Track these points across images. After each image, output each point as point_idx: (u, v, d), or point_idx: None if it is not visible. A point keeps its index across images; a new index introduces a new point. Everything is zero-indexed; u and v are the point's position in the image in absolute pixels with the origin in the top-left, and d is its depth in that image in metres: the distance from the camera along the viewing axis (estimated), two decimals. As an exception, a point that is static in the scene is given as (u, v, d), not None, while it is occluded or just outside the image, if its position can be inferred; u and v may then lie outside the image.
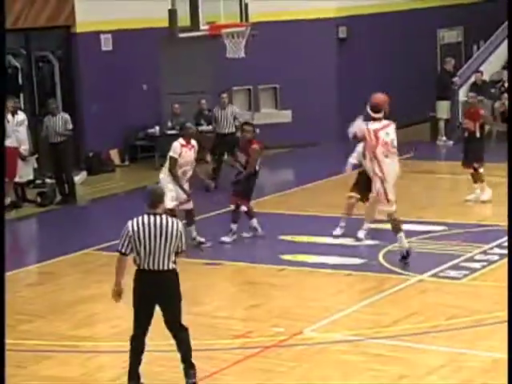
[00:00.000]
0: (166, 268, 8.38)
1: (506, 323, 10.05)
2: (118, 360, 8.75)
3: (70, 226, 15.88)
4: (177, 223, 8.45)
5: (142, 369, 8.54)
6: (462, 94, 22.18)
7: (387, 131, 12.39)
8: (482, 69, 22.44)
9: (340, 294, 11.43)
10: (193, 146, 13.46)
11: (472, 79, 22.24)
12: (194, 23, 15.66)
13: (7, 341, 10.12)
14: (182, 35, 15.59)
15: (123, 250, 8.43)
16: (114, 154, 20.40)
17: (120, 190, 18.48)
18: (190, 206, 13.52)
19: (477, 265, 12.25)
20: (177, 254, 8.47)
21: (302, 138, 16.23)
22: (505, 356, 9.16)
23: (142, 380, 8.57)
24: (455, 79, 22.10)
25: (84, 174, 19.23)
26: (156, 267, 8.36)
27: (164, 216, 8.42)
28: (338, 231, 13.73)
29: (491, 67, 22.77)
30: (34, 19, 18.93)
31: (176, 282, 8.50)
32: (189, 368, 8.59)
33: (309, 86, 20.96)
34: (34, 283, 12.81)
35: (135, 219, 8.41)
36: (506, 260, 12.35)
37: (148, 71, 20.17)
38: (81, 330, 10.52)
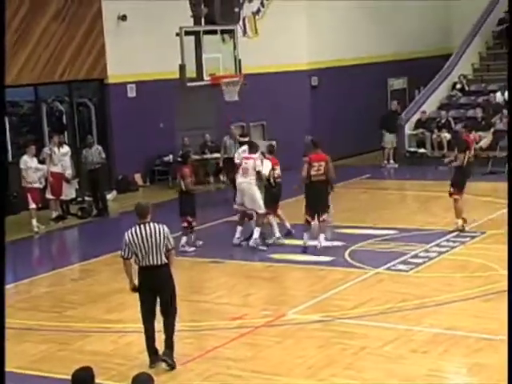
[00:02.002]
0: (159, 263, 8.37)
1: (445, 305, 10.08)
2: (142, 338, 8.67)
3: (104, 233, 15.79)
4: (162, 227, 8.44)
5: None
6: (408, 128, 22.23)
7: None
8: (423, 108, 22.49)
9: (315, 285, 11.34)
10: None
11: (417, 116, 22.27)
12: (199, 75, 15.67)
13: (56, 323, 10.17)
14: (189, 84, 15.60)
15: (124, 255, 8.46)
16: (138, 177, 20.31)
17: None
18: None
19: (420, 260, 12.18)
20: (168, 251, 8.42)
21: (284, 162, 16.25)
22: (443, 331, 9.19)
23: (159, 353, 8.52)
24: (401, 116, 22.12)
25: (114, 192, 19.14)
26: (151, 263, 8.35)
27: (151, 223, 8.42)
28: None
29: (429, 107, 22.78)
30: (76, 73, 18.91)
31: (168, 274, 8.47)
32: (168, 348, 8.46)
33: (289, 122, 20.96)
34: (76, 278, 12.72)
35: (130, 230, 8.43)
36: (442, 256, 12.37)
37: (164, 112, 20.12)
38: (113, 315, 10.47)
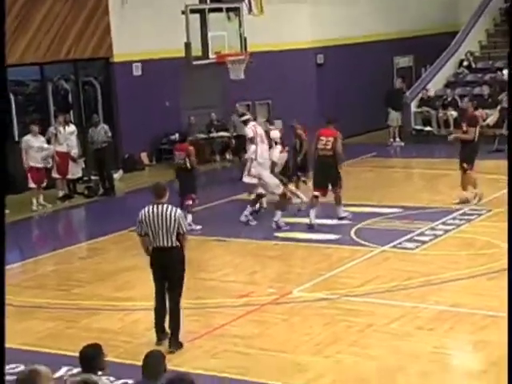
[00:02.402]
0: (169, 245, 8.35)
1: (451, 282, 10.12)
2: (149, 316, 8.75)
3: (111, 212, 15.87)
4: (175, 210, 8.41)
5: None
6: (413, 107, 22.16)
7: None
8: (428, 87, 22.40)
9: (321, 263, 11.35)
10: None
11: (420, 95, 22.21)
12: (205, 53, 15.63)
13: (63, 301, 10.24)
14: (195, 63, 15.56)
15: (138, 232, 8.56)
16: (144, 156, 20.31)
17: (148, 184, 18.36)
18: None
19: (426, 238, 12.19)
20: (179, 235, 8.37)
21: (290, 140, 16.32)
22: (448, 308, 9.24)
23: (166, 331, 8.59)
24: (406, 95, 22.05)
25: (121, 172, 19.16)
26: (161, 244, 8.36)
27: (165, 205, 8.40)
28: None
29: (435, 85, 22.70)
30: (82, 52, 18.89)
31: (178, 257, 8.45)
32: (173, 340, 8.44)
33: (294, 100, 20.92)
34: (84, 256, 12.78)
35: (145, 208, 8.45)
36: (448, 234, 12.39)
37: (170, 91, 20.09)
38: (120, 293, 10.53)
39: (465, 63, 23.08)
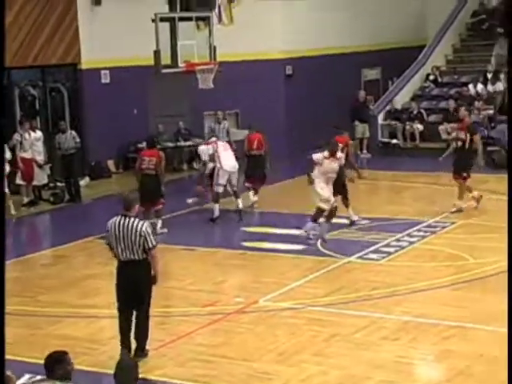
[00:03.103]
0: (134, 258, 8.12)
1: (416, 293, 10.20)
2: (114, 324, 8.68)
3: (76, 219, 15.76)
4: (142, 224, 8.12)
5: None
6: (380, 119, 22.37)
7: None
8: (395, 99, 22.63)
9: (287, 273, 11.38)
10: None
11: (387, 108, 22.44)
12: (174, 61, 15.62)
13: (28, 308, 10.13)
14: (164, 71, 15.55)
15: (106, 243, 8.40)
16: (111, 164, 20.24)
17: (115, 192, 18.32)
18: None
19: (391, 249, 12.28)
20: (149, 249, 8.12)
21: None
22: (413, 318, 9.31)
23: (132, 346, 8.37)
24: (372, 107, 22.24)
25: (87, 179, 19.07)
26: (126, 257, 8.14)
27: (132, 218, 8.17)
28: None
29: (402, 98, 22.94)
30: (49, 58, 18.78)
31: (144, 272, 8.17)
32: (139, 350, 8.30)
33: (263, 110, 20.98)
34: (49, 264, 12.68)
35: (112, 219, 8.25)
36: (413, 245, 12.50)
37: (138, 99, 20.04)
38: (86, 300, 10.46)
39: (431, 77, 23.36)
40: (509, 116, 18.11)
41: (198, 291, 10.71)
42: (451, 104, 21.20)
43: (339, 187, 13.23)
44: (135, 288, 8.22)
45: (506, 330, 8.47)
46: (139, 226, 8.12)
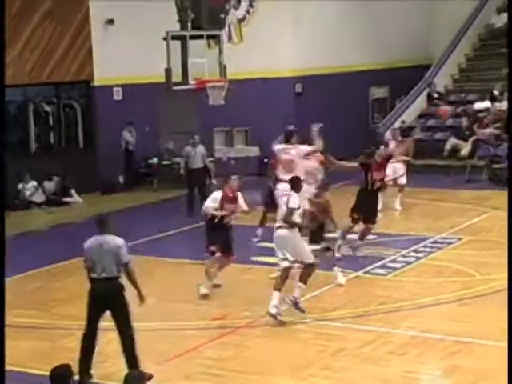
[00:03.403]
0: (109, 276, 7.98)
1: (422, 308, 10.14)
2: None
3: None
4: (114, 241, 8.03)
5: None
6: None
7: None
8: (403, 117, 22.66)
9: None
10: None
11: (397, 125, 22.42)
12: (184, 79, 15.68)
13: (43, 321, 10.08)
14: (175, 88, 15.60)
15: (85, 266, 8.22)
16: (122, 179, 20.28)
17: (125, 207, 18.26)
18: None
19: (398, 265, 12.24)
20: (125, 265, 8.02)
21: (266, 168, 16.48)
22: (419, 333, 9.25)
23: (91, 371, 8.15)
24: (381, 124, 22.27)
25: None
26: (102, 275, 8.00)
27: (107, 235, 8.07)
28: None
29: (409, 116, 22.93)
30: (63, 75, 18.91)
31: (120, 288, 8.00)
32: (133, 368, 7.85)
33: (272, 128, 20.95)
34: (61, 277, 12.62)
35: (89, 239, 8.17)
36: (420, 261, 12.43)
37: (149, 116, 20.12)
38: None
39: (435, 95, 23.31)
40: (509, 116, 17.97)
41: (207, 305, 10.66)
42: (464, 121, 21.15)
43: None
44: (111, 308, 8.01)
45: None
46: (113, 241, 8.04)
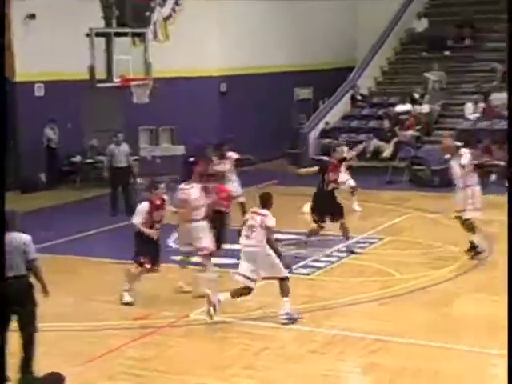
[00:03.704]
0: (15, 274, 7.75)
1: (344, 307, 10.26)
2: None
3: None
4: (21, 238, 7.82)
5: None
6: (312, 137, 22.57)
7: None
8: (327, 118, 22.92)
9: (218, 287, 11.30)
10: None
11: (321, 125, 22.69)
12: (109, 76, 15.50)
13: None
14: (99, 85, 15.41)
15: None
16: (43, 177, 19.89)
17: (46, 205, 17.94)
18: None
19: (321, 264, 12.35)
20: (31, 262, 7.83)
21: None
22: (340, 332, 9.36)
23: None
24: (305, 125, 22.48)
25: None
26: (10, 274, 7.71)
27: (12, 233, 7.79)
28: None
29: (333, 117, 23.21)
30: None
31: (26, 287, 7.79)
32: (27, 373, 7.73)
33: (198, 127, 20.95)
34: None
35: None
36: (342, 261, 12.58)
37: (72, 113, 19.79)
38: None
39: (358, 97, 23.68)
40: (509, 116, 18.06)
41: (129, 304, 10.52)
42: (386, 124, 21.56)
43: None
44: (18, 306, 7.76)
45: (427, 343, 8.66)
46: (18, 238, 7.83)
